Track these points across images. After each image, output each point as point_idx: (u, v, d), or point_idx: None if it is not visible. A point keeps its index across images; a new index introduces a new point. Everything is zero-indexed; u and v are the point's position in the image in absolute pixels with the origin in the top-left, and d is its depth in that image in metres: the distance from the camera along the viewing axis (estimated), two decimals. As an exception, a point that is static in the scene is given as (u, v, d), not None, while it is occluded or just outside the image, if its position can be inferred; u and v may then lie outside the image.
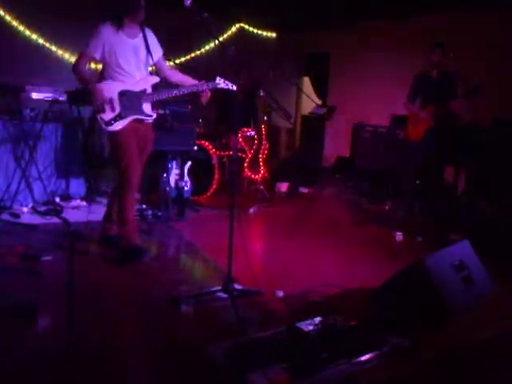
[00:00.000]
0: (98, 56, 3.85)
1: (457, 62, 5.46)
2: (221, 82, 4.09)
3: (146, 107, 4.01)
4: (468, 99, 5.28)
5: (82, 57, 3.89)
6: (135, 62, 3.96)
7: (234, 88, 4.13)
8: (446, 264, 2.98)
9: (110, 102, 3.83)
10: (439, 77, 5.60)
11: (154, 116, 4.11)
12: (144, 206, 5.13)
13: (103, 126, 3.84)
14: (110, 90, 3.84)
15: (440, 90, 5.53)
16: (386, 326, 2.77)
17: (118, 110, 3.85)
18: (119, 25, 3.88)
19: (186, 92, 4.09)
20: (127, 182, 3.92)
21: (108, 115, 3.84)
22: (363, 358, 2.46)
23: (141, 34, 3.98)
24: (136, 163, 3.95)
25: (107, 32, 3.85)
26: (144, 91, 3.98)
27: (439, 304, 2.79)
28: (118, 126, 3.86)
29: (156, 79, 4.09)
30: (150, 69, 4.14)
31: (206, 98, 4.15)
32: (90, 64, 3.98)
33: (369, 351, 2.50)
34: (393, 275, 3.06)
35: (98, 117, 3.83)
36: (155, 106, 4.23)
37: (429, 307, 2.81)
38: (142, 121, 4.00)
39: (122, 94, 3.86)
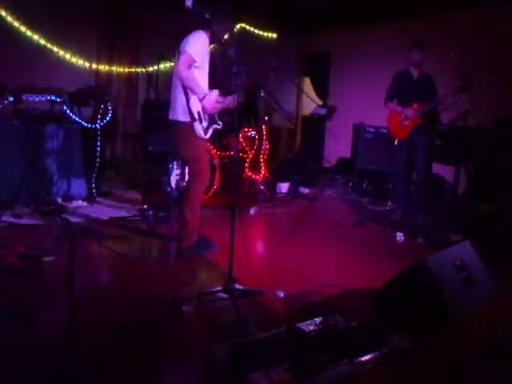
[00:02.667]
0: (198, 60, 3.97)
1: (457, 62, 5.45)
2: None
3: (217, 117, 4.26)
4: (457, 96, 5.24)
5: (187, 58, 3.95)
6: (208, 75, 4.17)
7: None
8: (447, 264, 2.99)
9: (204, 111, 4.06)
10: (420, 76, 5.58)
11: (221, 124, 4.30)
12: (145, 207, 5.13)
13: (202, 133, 4.04)
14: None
15: (421, 90, 5.52)
16: (388, 327, 2.77)
17: (208, 119, 4.10)
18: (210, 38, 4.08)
19: (222, 106, 4.25)
20: (205, 179, 4.18)
21: (204, 124, 4.08)
22: (364, 358, 2.46)
23: None
24: (209, 166, 4.24)
25: (206, 41, 4.03)
26: (217, 101, 4.17)
27: (440, 304, 2.78)
28: (209, 133, 4.15)
29: (216, 93, 4.18)
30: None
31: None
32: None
33: (370, 352, 2.50)
34: (394, 276, 3.06)
35: (200, 126, 4.01)
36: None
37: (430, 308, 2.81)
38: (215, 129, 4.24)
39: None
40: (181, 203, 4.27)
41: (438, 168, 6.30)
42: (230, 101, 4.22)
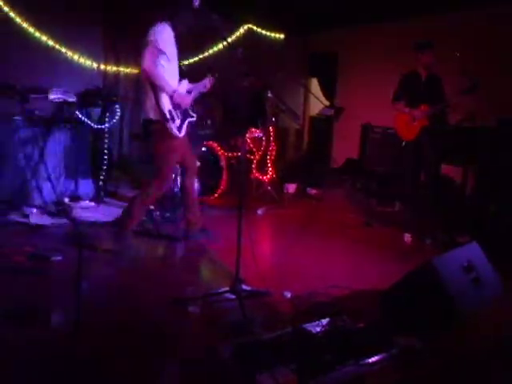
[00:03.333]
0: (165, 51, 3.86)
1: (462, 63, 5.41)
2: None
3: (190, 109, 4.18)
4: (463, 97, 5.21)
5: (153, 52, 3.81)
6: (176, 66, 4.07)
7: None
8: (454, 266, 2.97)
9: (175, 108, 3.97)
10: (428, 77, 5.55)
11: (195, 116, 4.23)
12: (152, 207, 5.14)
13: (176, 131, 3.95)
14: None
15: (429, 91, 5.48)
16: (395, 328, 2.76)
17: (180, 115, 4.00)
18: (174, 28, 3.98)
19: (196, 93, 4.23)
20: (166, 180, 4.18)
21: (177, 122, 3.98)
22: (371, 359, 2.45)
23: None
24: (175, 165, 4.27)
25: (169, 31, 3.92)
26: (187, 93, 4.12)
27: (448, 306, 2.77)
28: (183, 131, 4.05)
29: (186, 83, 4.15)
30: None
31: (207, 89, 4.27)
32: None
33: (377, 353, 2.49)
34: (401, 277, 3.05)
35: (173, 125, 3.91)
36: None
37: (437, 309, 2.79)
38: (190, 122, 4.17)
39: None
40: (135, 196, 4.25)
41: (445, 169, 6.26)
42: (202, 86, 4.22)
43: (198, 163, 5.89)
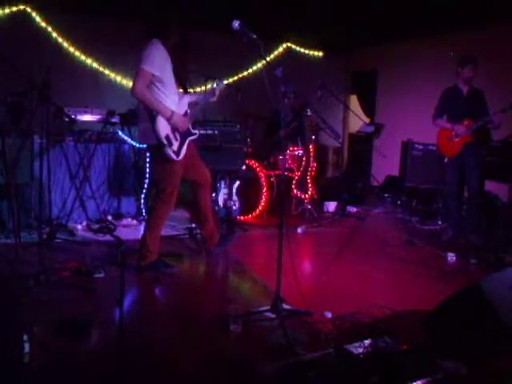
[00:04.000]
0: (157, 74, 3.72)
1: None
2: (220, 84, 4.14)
3: (191, 127, 4.07)
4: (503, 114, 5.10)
5: (144, 76, 3.69)
6: (173, 83, 3.93)
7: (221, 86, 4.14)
8: (502, 287, 2.86)
9: (173, 131, 3.87)
10: (470, 92, 5.45)
11: (198, 133, 4.13)
12: (193, 225, 5.19)
13: (173, 156, 3.84)
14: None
15: (471, 106, 5.38)
16: (439, 351, 2.68)
17: (179, 137, 3.90)
18: (166, 44, 3.84)
19: (203, 104, 4.13)
20: (170, 202, 4.04)
21: (175, 145, 3.87)
22: (415, 383, 2.39)
23: None
24: (178, 186, 4.05)
25: (161, 48, 3.79)
26: (186, 113, 4.03)
27: (495, 330, 2.67)
28: (182, 153, 3.93)
29: (188, 97, 4.08)
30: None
31: (217, 97, 4.16)
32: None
33: (421, 377, 2.42)
34: (446, 298, 2.97)
35: (169, 149, 3.80)
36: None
37: (484, 333, 2.70)
38: (192, 141, 4.07)
39: None
40: (145, 227, 4.18)
41: (490, 185, 6.11)
42: (210, 94, 4.10)
43: (238, 182, 5.95)
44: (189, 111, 4.07)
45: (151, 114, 3.77)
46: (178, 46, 3.97)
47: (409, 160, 7.22)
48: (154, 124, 3.75)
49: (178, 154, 3.88)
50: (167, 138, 3.80)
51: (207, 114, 5.34)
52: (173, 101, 3.88)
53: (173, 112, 3.81)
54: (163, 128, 3.78)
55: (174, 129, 3.86)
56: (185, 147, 3.96)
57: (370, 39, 8.47)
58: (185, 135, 3.97)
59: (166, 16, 3.89)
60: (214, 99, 4.15)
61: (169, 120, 3.79)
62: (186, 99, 4.05)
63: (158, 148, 3.83)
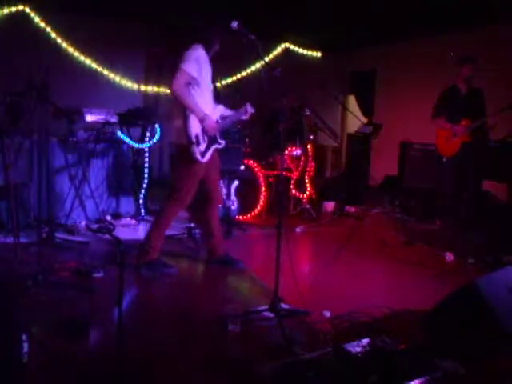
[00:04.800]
0: (195, 76, 3.80)
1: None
2: (249, 108, 4.15)
3: (219, 136, 4.10)
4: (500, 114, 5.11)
5: (183, 75, 3.76)
6: (209, 90, 4.03)
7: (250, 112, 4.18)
8: (499, 287, 2.87)
9: (203, 133, 3.91)
10: (468, 92, 5.46)
11: (224, 143, 4.16)
12: (192, 225, 5.20)
13: (199, 157, 3.88)
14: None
15: (470, 105, 5.39)
16: (437, 351, 2.69)
17: (206, 140, 3.94)
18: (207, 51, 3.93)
19: (234, 120, 4.24)
20: (184, 204, 4.06)
21: (203, 146, 3.92)
22: (413, 382, 2.40)
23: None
24: (195, 190, 4.05)
25: (202, 54, 3.87)
26: (217, 121, 4.06)
27: (492, 329, 2.68)
28: (207, 157, 3.97)
29: (222, 110, 4.13)
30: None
31: (248, 116, 4.20)
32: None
33: (419, 376, 2.43)
34: (444, 297, 2.98)
35: (197, 149, 3.85)
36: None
37: (481, 332, 2.71)
38: (216, 149, 4.10)
39: None
40: (152, 222, 4.21)
41: (489, 185, 6.12)
42: (243, 112, 4.13)
43: (237, 181, 5.96)
44: (220, 121, 4.09)
45: (185, 112, 3.83)
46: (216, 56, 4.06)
47: (407, 160, 7.24)
48: (186, 122, 3.82)
49: (203, 155, 3.93)
50: (197, 136, 3.86)
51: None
52: (207, 106, 3.95)
53: (206, 114, 3.87)
54: (194, 127, 3.85)
55: (204, 131, 3.91)
56: (210, 152, 4.00)
57: (368, 39, 8.48)
58: (212, 140, 4.01)
59: (211, 28, 3.95)
60: (246, 117, 4.19)
61: (201, 121, 3.85)
62: (220, 109, 4.11)
63: (185, 148, 3.87)
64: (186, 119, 3.82)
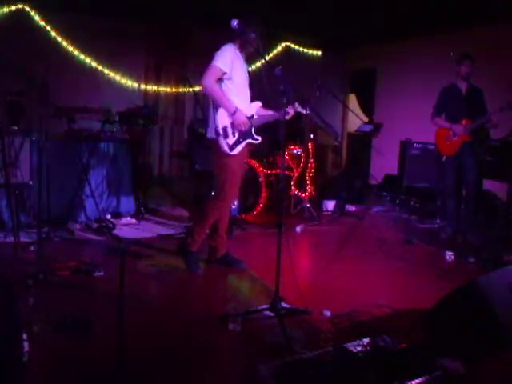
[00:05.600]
0: (227, 71, 3.87)
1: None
2: (299, 107, 4.14)
3: (254, 131, 4.10)
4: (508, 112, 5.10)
5: (214, 70, 3.85)
6: (245, 87, 4.07)
7: (306, 112, 4.20)
8: (500, 286, 2.86)
9: (233, 126, 3.94)
10: (469, 91, 5.45)
11: (260, 139, 4.14)
12: (192, 224, 5.19)
13: (226, 149, 3.92)
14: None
15: (470, 105, 5.39)
16: (439, 350, 2.69)
17: (237, 134, 3.96)
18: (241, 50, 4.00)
19: (274, 118, 4.14)
20: (227, 200, 4.13)
21: (232, 139, 3.95)
22: (414, 382, 2.40)
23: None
24: (237, 186, 4.15)
25: (234, 51, 3.94)
26: (252, 116, 4.07)
27: (493, 329, 2.68)
28: (237, 150, 3.98)
29: (259, 104, 4.14)
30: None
31: (290, 117, 4.16)
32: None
33: (420, 375, 2.43)
34: (445, 296, 2.97)
35: (224, 141, 3.90)
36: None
37: (482, 332, 2.70)
38: (251, 144, 4.11)
39: None
40: (195, 215, 4.26)
41: (489, 184, 6.12)
42: (282, 114, 3.94)
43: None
44: (255, 116, 4.09)
45: (215, 106, 3.91)
46: (252, 55, 4.13)
47: (407, 159, 7.23)
48: (215, 115, 3.91)
49: (231, 148, 3.95)
50: (224, 129, 3.90)
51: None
52: (241, 101, 3.99)
53: (237, 108, 3.90)
54: (222, 119, 3.90)
55: (234, 125, 3.94)
56: (242, 145, 4.01)
57: (369, 38, 8.48)
58: (245, 135, 4.01)
59: (249, 26, 3.90)
60: (287, 118, 4.09)
61: (232, 115, 3.89)
62: (257, 105, 4.12)
63: (215, 142, 3.95)
64: (215, 112, 3.92)
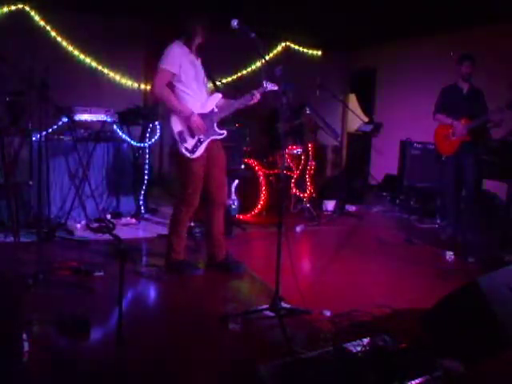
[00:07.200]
0: (176, 72, 3.78)
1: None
2: (268, 85, 3.92)
3: (217, 126, 4.01)
4: (507, 112, 5.10)
5: (163, 75, 3.76)
6: (199, 82, 3.94)
7: (276, 88, 3.86)
8: (501, 286, 2.86)
9: (190, 129, 3.85)
10: (469, 91, 5.45)
11: (225, 133, 4.04)
12: (192, 224, 5.20)
13: (186, 153, 3.84)
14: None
15: (470, 105, 5.39)
16: (438, 350, 2.69)
17: (196, 136, 3.87)
18: (189, 44, 3.88)
19: (242, 105, 3.99)
20: (192, 204, 4.02)
21: (190, 142, 3.86)
22: (414, 382, 2.39)
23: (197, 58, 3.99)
24: (200, 189, 4.01)
25: (180, 48, 3.83)
26: (212, 111, 3.98)
27: (493, 329, 2.67)
28: (199, 152, 3.89)
29: (219, 96, 4.03)
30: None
31: (255, 102, 4.01)
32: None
33: (420, 375, 2.43)
34: (444, 296, 2.97)
35: (182, 146, 3.82)
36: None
37: (482, 332, 2.70)
38: (215, 141, 4.02)
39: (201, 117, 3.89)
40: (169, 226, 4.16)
41: (489, 184, 6.12)
42: (249, 97, 3.93)
43: (237, 180, 5.95)
44: (216, 110, 3.98)
45: (168, 112, 3.85)
46: (203, 46, 3.99)
47: (407, 159, 7.24)
48: (169, 120, 3.84)
49: (191, 151, 3.86)
50: (180, 134, 3.83)
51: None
52: (196, 98, 3.90)
53: (192, 113, 3.82)
54: (176, 125, 3.83)
55: (190, 129, 3.86)
56: (204, 146, 3.91)
57: (369, 38, 8.48)
58: (206, 134, 3.91)
59: (190, 17, 3.89)
60: (255, 101, 3.97)
61: (186, 120, 3.82)
62: (217, 97, 4.00)
63: (174, 147, 3.88)
64: (168, 118, 3.85)
